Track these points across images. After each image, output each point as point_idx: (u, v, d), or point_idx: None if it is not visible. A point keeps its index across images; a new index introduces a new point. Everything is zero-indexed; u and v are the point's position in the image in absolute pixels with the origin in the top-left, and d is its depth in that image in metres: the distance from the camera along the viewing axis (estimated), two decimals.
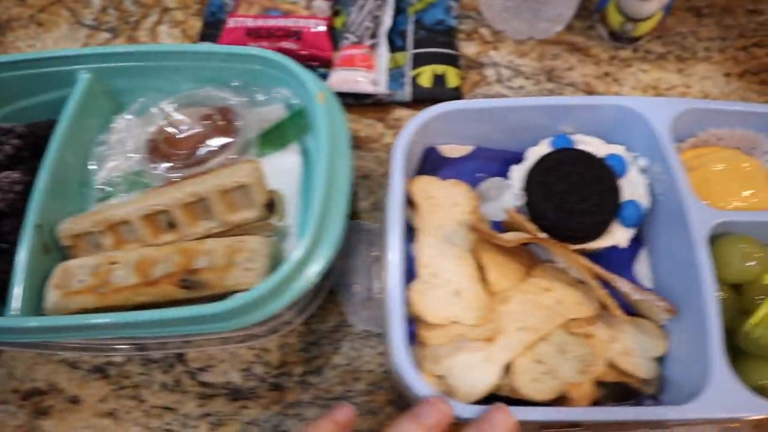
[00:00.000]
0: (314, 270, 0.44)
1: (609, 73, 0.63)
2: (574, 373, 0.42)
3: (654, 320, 0.47)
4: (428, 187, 0.51)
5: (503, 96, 0.61)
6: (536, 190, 0.47)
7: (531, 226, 0.47)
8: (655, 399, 0.45)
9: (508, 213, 0.48)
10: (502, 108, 0.50)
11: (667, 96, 0.62)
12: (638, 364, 0.45)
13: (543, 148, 0.51)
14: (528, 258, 0.49)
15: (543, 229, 0.47)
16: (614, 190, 0.47)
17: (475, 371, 0.43)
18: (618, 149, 0.51)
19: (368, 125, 0.60)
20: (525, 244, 0.47)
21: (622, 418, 0.39)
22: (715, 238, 0.47)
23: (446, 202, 0.50)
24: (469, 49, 0.64)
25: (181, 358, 0.52)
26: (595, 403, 0.45)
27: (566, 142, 0.50)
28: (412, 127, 0.48)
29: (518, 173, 0.50)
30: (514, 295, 0.46)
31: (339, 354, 0.51)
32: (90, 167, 0.54)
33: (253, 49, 0.52)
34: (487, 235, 0.46)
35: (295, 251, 0.43)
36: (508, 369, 0.43)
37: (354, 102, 0.60)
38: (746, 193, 0.50)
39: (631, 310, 0.47)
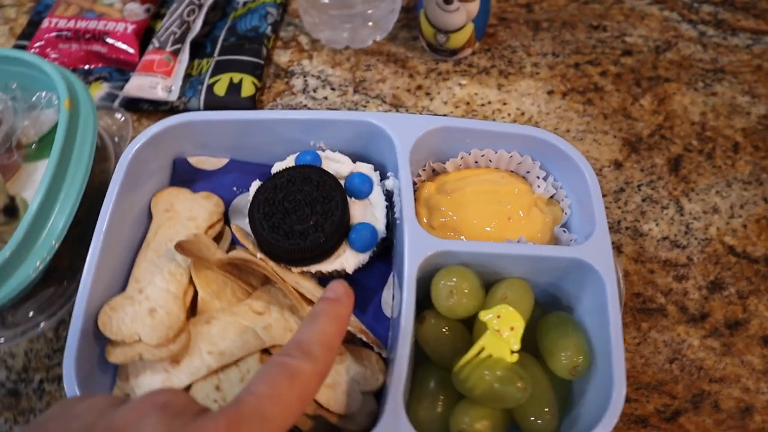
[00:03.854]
0: (34, 262, 0.45)
1: (422, 86, 0.60)
2: None
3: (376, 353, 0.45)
4: (171, 198, 0.49)
5: (304, 107, 0.59)
6: (258, 209, 0.45)
7: (251, 245, 0.45)
8: None
9: (232, 228, 0.47)
10: (247, 121, 0.48)
11: (478, 111, 0.58)
12: (336, 399, 0.42)
13: (286, 164, 0.48)
14: (260, 279, 0.47)
15: (262, 249, 0.45)
16: (340, 212, 0.44)
17: None
18: (365, 168, 0.48)
19: None
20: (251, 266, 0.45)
21: None
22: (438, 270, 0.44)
23: (183, 216, 0.48)
24: (283, 57, 0.62)
25: None
26: None
27: (313, 158, 0.48)
28: (142, 139, 0.47)
29: (254, 188, 0.48)
30: (219, 317, 0.44)
31: None
32: None
33: (11, 51, 0.52)
34: (192, 254, 0.44)
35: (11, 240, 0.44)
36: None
37: (152, 108, 0.59)
38: (496, 223, 0.46)
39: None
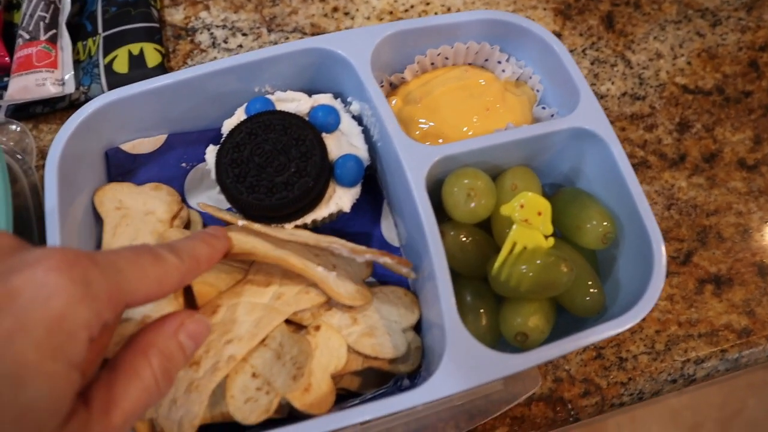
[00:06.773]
0: None
1: (338, 7, 0.55)
2: (289, 381, 0.35)
3: (401, 287, 0.42)
4: (117, 195, 0.42)
5: None
6: (227, 173, 0.39)
7: (228, 216, 0.40)
8: (412, 378, 0.39)
9: (200, 207, 0.41)
10: (177, 83, 0.42)
11: (404, 18, 0.55)
12: (382, 344, 0.39)
13: (237, 119, 0.43)
14: None
15: (247, 214, 0.40)
16: (319, 149, 0.40)
17: (179, 406, 0.35)
18: (324, 98, 0.43)
19: None
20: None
21: (340, 426, 0.33)
22: (446, 177, 0.41)
23: (138, 210, 0.42)
24: (176, 15, 0.55)
25: None
26: (355, 394, 0.39)
27: (264, 104, 0.43)
28: (66, 132, 0.39)
29: (212, 154, 0.42)
30: (224, 303, 0.38)
31: None
32: None
33: None
34: None
35: None
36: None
37: (48, 109, 0.51)
38: (476, 117, 0.44)
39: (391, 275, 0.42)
